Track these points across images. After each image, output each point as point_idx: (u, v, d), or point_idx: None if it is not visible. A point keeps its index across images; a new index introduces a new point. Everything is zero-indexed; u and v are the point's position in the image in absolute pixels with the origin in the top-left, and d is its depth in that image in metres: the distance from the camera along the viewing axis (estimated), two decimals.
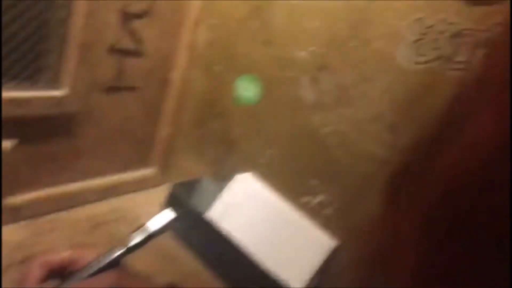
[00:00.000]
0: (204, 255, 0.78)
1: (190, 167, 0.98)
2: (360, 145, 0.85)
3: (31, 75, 0.66)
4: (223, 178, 0.92)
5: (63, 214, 0.71)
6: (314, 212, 0.90)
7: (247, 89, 0.97)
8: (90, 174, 0.77)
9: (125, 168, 0.85)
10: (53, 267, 0.48)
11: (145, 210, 0.75)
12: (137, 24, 0.76)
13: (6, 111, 0.58)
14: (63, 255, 0.49)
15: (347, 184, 0.87)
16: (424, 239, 0.29)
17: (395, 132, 0.81)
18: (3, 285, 0.54)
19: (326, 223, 0.89)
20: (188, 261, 0.75)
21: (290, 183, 0.94)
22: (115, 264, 0.49)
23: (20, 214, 0.66)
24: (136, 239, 0.49)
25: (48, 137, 0.67)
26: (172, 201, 0.82)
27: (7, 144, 0.60)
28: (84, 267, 0.49)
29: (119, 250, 0.49)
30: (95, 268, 0.48)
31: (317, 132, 0.90)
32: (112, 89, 0.76)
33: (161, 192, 0.81)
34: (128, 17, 0.73)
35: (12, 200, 0.65)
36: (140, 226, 0.50)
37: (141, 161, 0.89)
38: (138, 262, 0.51)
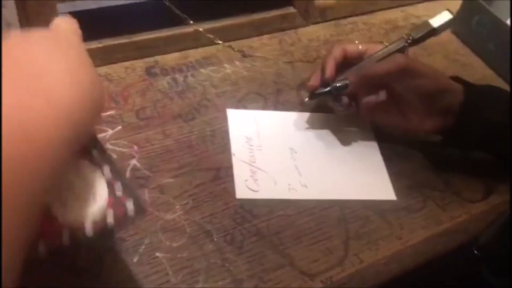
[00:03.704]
0: (500, 65, 0.74)
1: None
2: None
3: None
4: None
5: (363, 18, 0.80)
6: None
7: None
8: None
9: None
10: (349, 54, 0.57)
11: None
12: None
13: None
14: (359, 46, 0.57)
15: None
16: None
17: None
18: None
19: None
20: (479, 68, 0.76)
21: None
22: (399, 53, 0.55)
23: (326, 15, 0.77)
24: (419, 32, 0.56)
25: None
26: (469, 6, 0.77)
27: None
28: (372, 55, 0.55)
29: (403, 42, 0.56)
30: (382, 54, 0.55)
31: None
32: None
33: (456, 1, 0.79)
34: None
35: (320, 2, 0.75)
36: (423, 22, 0.56)
37: None
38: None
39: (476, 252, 0.52)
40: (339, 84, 0.54)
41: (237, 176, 0.53)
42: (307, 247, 0.48)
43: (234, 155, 0.55)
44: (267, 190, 0.52)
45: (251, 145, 0.56)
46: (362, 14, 0.80)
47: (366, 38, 0.76)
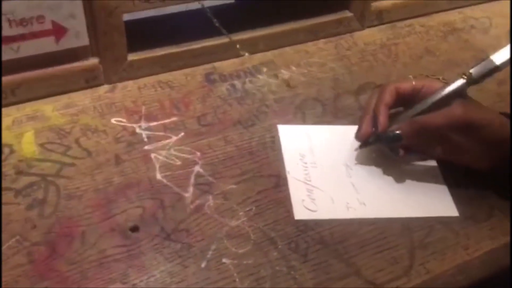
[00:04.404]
0: None
1: None
2: None
3: None
4: None
5: (419, 20, 0.79)
6: None
7: None
8: None
9: None
10: (402, 92, 0.54)
11: (497, 21, 0.77)
12: None
13: None
14: (413, 83, 0.54)
15: None
16: None
17: None
18: None
19: None
20: None
21: None
22: (458, 94, 0.51)
23: (382, 17, 0.76)
24: (480, 71, 0.51)
25: None
26: None
27: None
28: (429, 96, 0.52)
29: (463, 81, 0.51)
30: (439, 97, 0.51)
31: None
32: None
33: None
34: None
35: (377, 5, 0.74)
36: (484, 59, 0.51)
37: None
38: None
39: None
40: (392, 135, 0.52)
41: (294, 196, 0.52)
42: (372, 256, 0.48)
43: (288, 173, 0.54)
44: (326, 210, 0.51)
45: (305, 162, 0.56)
46: (419, 16, 0.78)
47: (424, 41, 0.75)
